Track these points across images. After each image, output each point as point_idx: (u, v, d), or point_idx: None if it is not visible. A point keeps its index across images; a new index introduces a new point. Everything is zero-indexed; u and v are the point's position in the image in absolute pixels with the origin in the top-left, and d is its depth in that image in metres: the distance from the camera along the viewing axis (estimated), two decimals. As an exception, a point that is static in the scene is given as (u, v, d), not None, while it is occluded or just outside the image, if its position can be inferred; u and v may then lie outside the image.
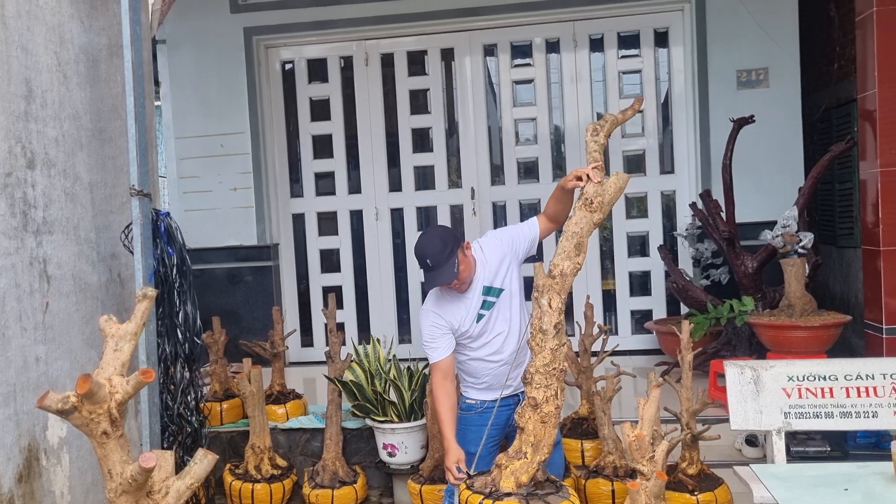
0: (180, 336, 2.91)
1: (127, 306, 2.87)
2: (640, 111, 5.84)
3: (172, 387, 2.90)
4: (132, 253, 2.67)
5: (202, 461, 1.93)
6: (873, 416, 3.08)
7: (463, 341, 3.03)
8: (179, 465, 1.93)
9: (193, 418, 3.03)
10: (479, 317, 2.99)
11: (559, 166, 6.13)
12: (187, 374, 2.96)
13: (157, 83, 6.42)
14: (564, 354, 2.65)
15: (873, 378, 3.09)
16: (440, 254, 2.84)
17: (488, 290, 2.99)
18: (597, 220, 2.67)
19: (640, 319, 6.07)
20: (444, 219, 6.21)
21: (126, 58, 2.57)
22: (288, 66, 6.38)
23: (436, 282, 2.88)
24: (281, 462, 4.17)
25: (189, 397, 3.00)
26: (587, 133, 2.86)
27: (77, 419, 1.77)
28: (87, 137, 2.71)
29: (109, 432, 1.81)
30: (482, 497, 2.56)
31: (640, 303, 6.12)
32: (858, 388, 3.10)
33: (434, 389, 3.01)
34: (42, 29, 2.53)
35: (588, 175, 2.73)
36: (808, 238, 4.43)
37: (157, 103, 7.15)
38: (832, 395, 3.10)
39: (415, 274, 6.28)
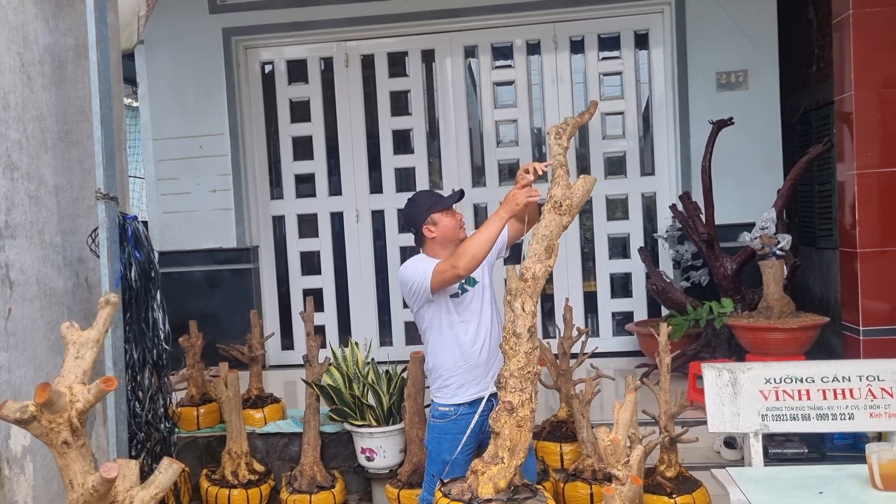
0: (148, 342, 2.87)
1: (95, 312, 2.80)
2: (619, 112, 5.91)
3: (141, 393, 2.85)
4: (99, 257, 2.63)
5: (167, 471, 1.89)
6: (849, 419, 3.08)
7: (450, 305, 3.01)
8: (149, 474, 1.89)
9: (162, 425, 2.98)
10: (463, 290, 3.03)
11: (540, 168, 6.10)
12: (156, 381, 2.92)
13: (134, 84, 6.36)
14: (538, 357, 2.64)
15: (849, 380, 3.09)
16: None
17: (466, 279, 3.00)
18: (566, 222, 2.69)
19: (622, 321, 6.07)
20: (425, 221, 6.17)
21: (91, 59, 2.52)
22: (267, 68, 6.33)
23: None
24: (258, 467, 4.13)
25: (158, 404, 2.95)
26: (550, 136, 2.87)
27: (36, 429, 1.73)
28: (53, 140, 2.66)
29: (70, 442, 1.77)
30: (461, 504, 2.54)
31: (621, 304, 6.12)
32: (835, 391, 3.10)
33: (459, 249, 2.93)
34: (4, 29, 2.47)
35: (535, 168, 2.87)
36: (786, 240, 4.44)
37: (134, 104, 7.08)
38: (809, 398, 3.10)
39: (395, 276, 6.24)
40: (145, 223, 6.44)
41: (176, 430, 3.30)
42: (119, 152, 2.70)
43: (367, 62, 6.19)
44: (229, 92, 6.07)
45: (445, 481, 2.74)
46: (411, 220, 3.14)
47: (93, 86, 2.52)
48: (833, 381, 3.10)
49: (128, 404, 2.70)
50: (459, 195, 3.21)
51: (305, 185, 6.34)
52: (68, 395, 1.75)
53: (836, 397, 3.09)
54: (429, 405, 4.09)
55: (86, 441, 1.79)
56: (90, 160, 2.65)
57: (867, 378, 3.09)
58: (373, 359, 4.31)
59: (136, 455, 2.82)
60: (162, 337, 2.93)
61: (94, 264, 2.73)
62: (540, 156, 6.18)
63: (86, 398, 1.77)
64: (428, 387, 4.14)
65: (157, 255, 3.02)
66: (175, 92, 6.09)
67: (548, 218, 2.68)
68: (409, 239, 6.23)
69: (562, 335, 4.18)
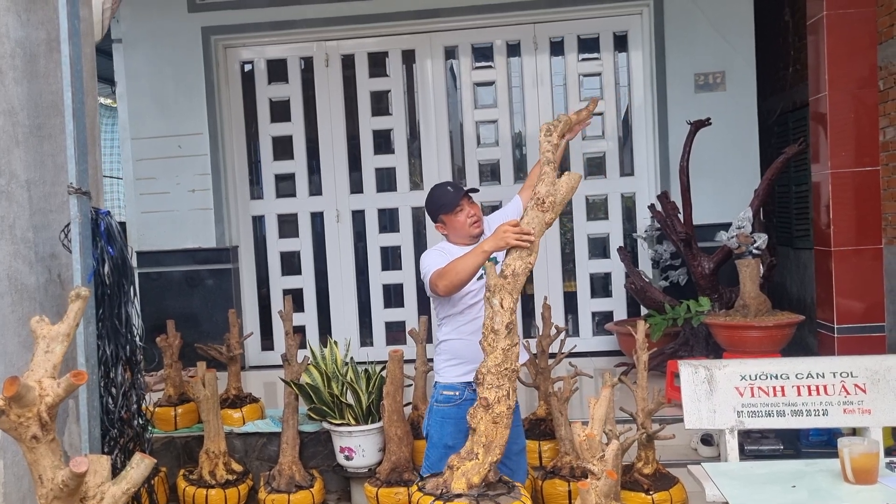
0: (122, 338, 2.84)
1: (67, 307, 2.78)
2: (599, 113, 5.92)
3: (114, 390, 2.82)
4: (71, 252, 2.60)
5: (139, 466, 1.87)
6: (823, 415, 3.11)
7: (466, 301, 3.00)
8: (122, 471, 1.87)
9: (136, 422, 2.96)
10: (480, 276, 2.98)
11: (520, 169, 6.14)
12: (129, 377, 2.89)
13: (113, 83, 6.30)
14: (517, 355, 2.64)
15: (823, 377, 3.12)
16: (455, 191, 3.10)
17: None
18: (548, 219, 2.67)
19: (601, 321, 6.10)
20: (405, 221, 6.18)
21: (63, 52, 2.49)
22: (247, 67, 6.31)
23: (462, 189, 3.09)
24: (236, 467, 4.10)
25: (131, 400, 2.92)
26: (541, 133, 2.85)
27: (5, 423, 1.71)
28: (25, 134, 2.62)
29: (39, 436, 1.74)
30: (433, 498, 2.54)
31: (601, 304, 6.15)
32: (809, 387, 3.13)
33: (444, 269, 2.90)
34: (-25, 23, 2.44)
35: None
36: (762, 239, 4.48)
37: (112, 104, 7.02)
38: (784, 394, 3.13)
39: (376, 276, 6.24)
40: (123, 223, 6.39)
41: (150, 426, 3.27)
42: (92, 147, 2.67)
43: (348, 62, 6.18)
44: (208, 91, 6.04)
45: (424, 476, 2.74)
46: (429, 213, 3.20)
47: (64, 79, 2.50)
48: (807, 377, 3.13)
49: (100, 401, 2.67)
50: (459, 192, 3.09)
51: (285, 184, 6.32)
52: (38, 390, 1.73)
53: (810, 394, 3.12)
54: (408, 404, 4.11)
55: (55, 436, 1.77)
56: (63, 155, 2.62)
57: (840, 374, 3.12)
58: (352, 358, 4.31)
59: (110, 452, 2.79)
60: (136, 333, 2.90)
61: (67, 260, 2.70)
62: (520, 157, 6.20)
63: (55, 392, 1.75)
64: (409, 385, 4.15)
65: (132, 251, 2.99)
66: (154, 91, 6.05)
67: (530, 214, 2.66)
68: (389, 239, 6.28)
69: (540, 333, 4.19)
